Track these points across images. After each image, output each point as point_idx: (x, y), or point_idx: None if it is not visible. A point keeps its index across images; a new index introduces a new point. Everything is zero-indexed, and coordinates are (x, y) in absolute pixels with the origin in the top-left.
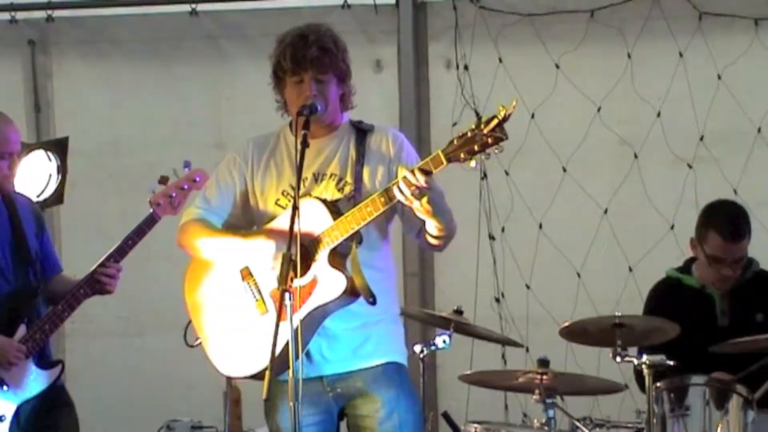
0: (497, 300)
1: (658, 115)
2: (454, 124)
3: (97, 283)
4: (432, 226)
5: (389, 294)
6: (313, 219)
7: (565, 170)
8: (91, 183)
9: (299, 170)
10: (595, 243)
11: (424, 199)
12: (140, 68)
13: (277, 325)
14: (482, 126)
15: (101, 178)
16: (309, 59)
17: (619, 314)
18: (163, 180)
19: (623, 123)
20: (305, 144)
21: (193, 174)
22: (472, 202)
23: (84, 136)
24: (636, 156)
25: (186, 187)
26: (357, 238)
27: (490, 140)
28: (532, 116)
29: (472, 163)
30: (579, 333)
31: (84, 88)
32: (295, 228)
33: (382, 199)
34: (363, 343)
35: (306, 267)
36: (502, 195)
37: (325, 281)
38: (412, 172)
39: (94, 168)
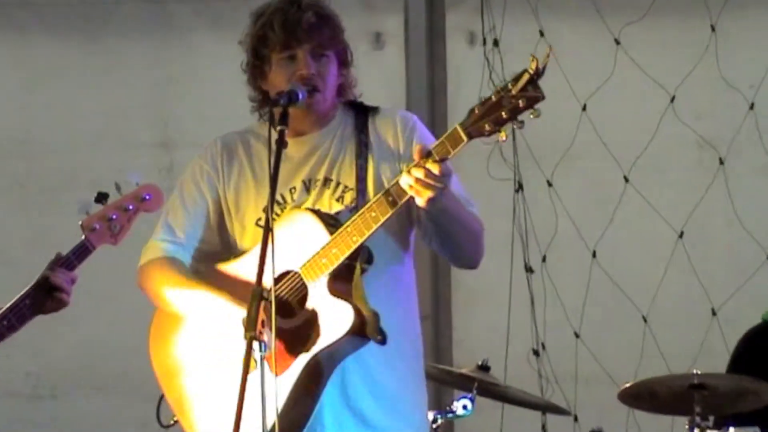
0: (536, 352)
1: (751, 107)
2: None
3: (49, 293)
4: (445, 237)
5: (416, 334)
6: (305, 237)
7: (627, 180)
8: None
9: (273, 179)
10: (667, 277)
11: (437, 201)
12: (61, 41)
13: (244, 382)
14: (510, 85)
15: (5, 186)
16: (306, 27)
17: (698, 372)
18: (101, 197)
19: (704, 118)
20: (282, 143)
21: (141, 191)
22: (504, 222)
23: None
24: (722, 161)
25: (131, 207)
26: (363, 255)
27: (521, 103)
28: (584, 108)
29: (503, 136)
30: (645, 396)
31: None
32: (269, 257)
33: (390, 199)
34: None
35: (301, 302)
36: (544, 213)
37: (327, 316)
38: (422, 157)
39: None
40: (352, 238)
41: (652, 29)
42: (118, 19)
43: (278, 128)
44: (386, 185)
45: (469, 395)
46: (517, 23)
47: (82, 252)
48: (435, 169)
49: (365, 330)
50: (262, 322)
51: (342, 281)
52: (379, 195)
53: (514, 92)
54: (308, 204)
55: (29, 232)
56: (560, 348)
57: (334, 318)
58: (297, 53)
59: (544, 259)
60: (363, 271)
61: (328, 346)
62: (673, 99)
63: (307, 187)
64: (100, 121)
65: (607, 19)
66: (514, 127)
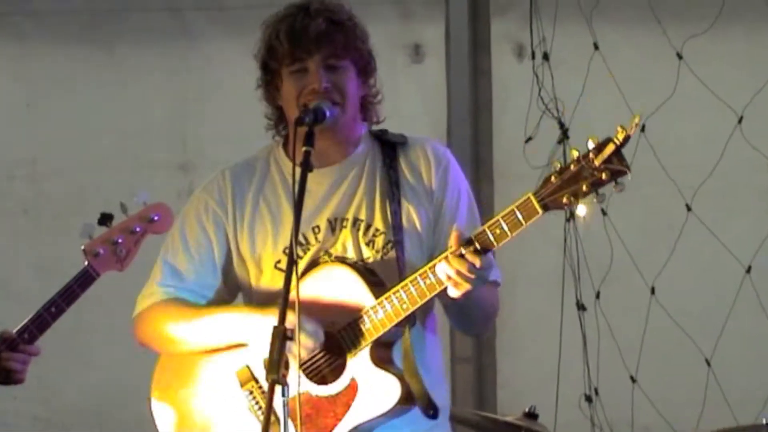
0: (588, 398)
1: None
2: (528, 140)
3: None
4: (460, 315)
5: (442, 388)
6: (344, 295)
7: (689, 208)
8: None
9: (298, 208)
10: (733, 316)
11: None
12: (69, 53)
13: None
14: (591, 155)
15: (9, 212)
16: (314, 35)
17: None
18: (105, 219)
19: None
20: (308, 167)
21: (149, 211)
22: (554, 255)
23: None
24: None
25: (138, 229)
26: (410, 320)
27: (604, 176)
28: (643, 129)
29: (580, 209)
30: None
31: None
32: (293, 291)
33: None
34: None
35: (340, 369)
36: (598, 245)
37: (370, 388)
38: (460, 245)
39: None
40: (402, 306)
41: (718, 42)
42: (130, 28)
43: (303, 149)
44: (420, 230)
45: None
46: (570, 35)
47: (85, 280)
48: (477, 262)
49: (411, 402)
50: (286, 363)
51: (385, 349)
52: (430, 263)
53: (597, 163)
54: (335, 248)
55: (35, 263)
56: (615, 393)
57: (378, 390)
58: (308, 65)
59: (597, 296)
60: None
61: (371, 420)
62: (741, 119)
63: (333, 227)
64: (111, 140)
65: (669, 31)
66: (594, 200)
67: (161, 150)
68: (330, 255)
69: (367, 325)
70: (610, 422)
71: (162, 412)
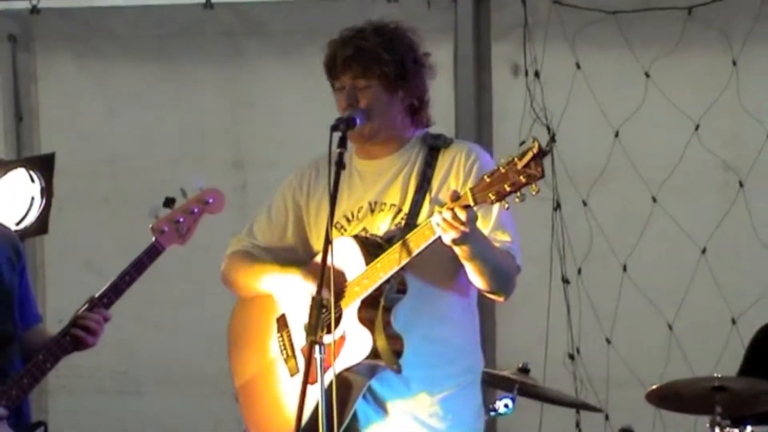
0: (571, 357)
1: None
2: (522, 143)
3: (75, 338)
4: (471, 272)
5: (466, 354)
6: (348, 261)
7: (655, 200)
8: (82, 208)
9: (333, 198)
10: (691, 289)
11: (461, 242)
12: (142, 70)
13: (305, 384)
14: (516, 159)
15: (94, 202)
16: (341, 60)
17: (720, 375)
18: (169, 202)
19: (727, 144)
20: (340, 165)
21: (205, 195)
22: (543, 238)
23: (74, 151)
24: (741, 184)
25: (196, 210)
26: (394, 286)
27: (523, 178)
28: (616, 135)
29: (505, 205)
30: (670, 397)
31: (75, 94)
32: (329, 268)
33: (419, 239)
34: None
35: (337, 320)
36: (580, 230)
37: (352, 340)
38: (452, 200)
39: (85, 190)
40: (378, 273)
41: (679, 63)
42: (194, 50)
43: (337, 150)
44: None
45: (511, 395)
46: (556, 56)
47: (153, 253)
48: (461, 214)
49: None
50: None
51: (370, 309)
52: (411, 234)
53: (519, 168)
54: (371, 225)
55: (115, 243)
56: (593, 353)
57: (357, 343)
58: (343, 83)
59: (579, 272)
60: (395, 300)
61: (347, 369)
62: (697, 127)
63: (372, 208)
64: (177, 142)
65: (638, 54)
66: (516, 200)
67: (218, 150)
68: (366, 231)
69: (356, 287)
70: (589, 376)
71: (230, 343)
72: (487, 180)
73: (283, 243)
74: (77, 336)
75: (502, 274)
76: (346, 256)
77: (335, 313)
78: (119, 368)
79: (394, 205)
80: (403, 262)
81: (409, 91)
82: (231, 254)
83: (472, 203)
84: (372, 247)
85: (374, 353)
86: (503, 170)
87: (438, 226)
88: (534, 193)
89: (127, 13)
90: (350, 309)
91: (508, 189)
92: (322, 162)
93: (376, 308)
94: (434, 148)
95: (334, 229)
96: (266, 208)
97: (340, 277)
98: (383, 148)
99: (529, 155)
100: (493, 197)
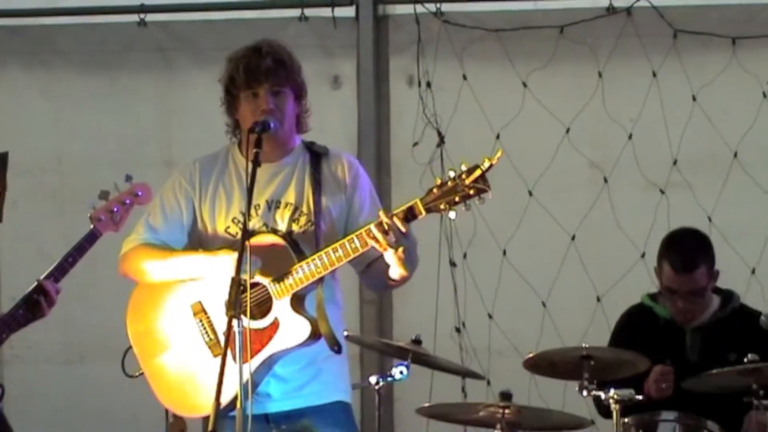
0: (458, 330)
1: (630, 137)
2: (415, 144)
3: (34, 305)
4: (397, 273)
5: (341, 330)
6: (275, 256)
7: (531, 194)
8: (33, 202)
9: (250, 192)
10: (561, 271)
11: (400, 249)
12: (86, 80)
13: (224, 356)
14: (464, 176)
15: (43, 196)
16: (264, 70)
17: (587, 345)
18: (104, 195)
19: (593, 145)
20: (257, 163)
21: (135, 188)
22: (433, 226)
23: (25, 151)
24: (606, 180)
25: (128, 201)
26: (321, 280)
27: (471, 191)
28: (497, 137)
29: (452, 214)
30: (544, 365)
31: (25, 101)
32: (245, 255)
33: (353, 245)
34: (310, 381)
35: (266, 309)
36: (465, 219)
37: (288, 326)
38: (391, 217)
39: (36, 186)
40: (317, 270)
41: (552, 74)
42: (130, 63)
43: (254, 150)
44: (334, 216)
45: (405, 363)
46: (446, 68)
47: (91, 238)
48: (403, 227)
49: (317, 339)
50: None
51: (300, 299)
52: (344, 240)
53: (467, 182)
54: (271, 222)
55: (62, 233)
56: (477, 326)
57: (293, 329)
58: (259, 91)
59: (465, 256)
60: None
61: (286, 350)
62: (568, 130)
63: (270, 206)
64: (116, 144)
65: (517, 67)
66: (463, 208)
67: (152, 151)
68: (267, 227)
69: (290, 281)
70: (473, 347)
71: (132, 328)
72: (436, 192)
73: (177, 235)
74: (37, 301)
75: (415, 261)
76: (273, 252)
77: (261, 303)
78: (65, 340)
79: (291, 203)
80: (344, 260)
81: (304, 101)
82: (136, 247)
83: (423, 212)
84: (295, 245)
85: (313, 335)
86: (451, 184)
87: (377, 236)
88: (480, 204)
89: (72, 31)
90: (283, 300)
91: (457, 200)
92: (204, 161)
93: (305, 297)
94: (315, 154)
95: (232, 224)
96: (158, 206)
97: (265, 269)
98: (277, 151)
99: (478, 172)
100: (443, 207)
